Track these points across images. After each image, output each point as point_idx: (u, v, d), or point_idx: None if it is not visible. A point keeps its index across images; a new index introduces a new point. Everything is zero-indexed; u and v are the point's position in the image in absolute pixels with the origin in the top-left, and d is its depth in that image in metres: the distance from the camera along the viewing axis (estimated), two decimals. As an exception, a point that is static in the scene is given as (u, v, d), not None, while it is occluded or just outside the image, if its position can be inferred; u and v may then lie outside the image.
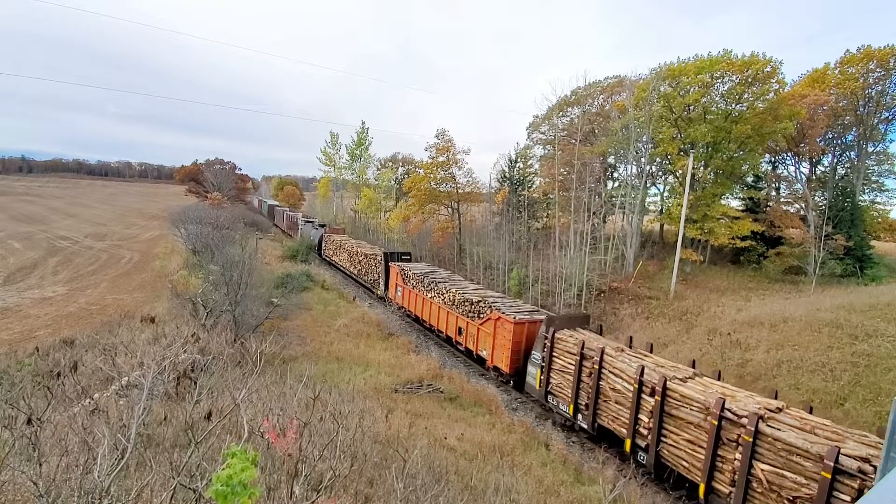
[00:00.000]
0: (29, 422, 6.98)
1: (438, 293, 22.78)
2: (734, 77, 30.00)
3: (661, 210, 38.28)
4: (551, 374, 15.40)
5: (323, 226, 50.71)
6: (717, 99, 31.64)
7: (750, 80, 29.38)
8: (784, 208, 34.51)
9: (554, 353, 15.27)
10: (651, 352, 14.49)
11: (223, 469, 2.86)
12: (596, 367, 13.42)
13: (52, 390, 10.22)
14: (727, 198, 34.65)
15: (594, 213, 33.43)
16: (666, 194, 38.40)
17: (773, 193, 37.47)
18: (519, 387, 17.52)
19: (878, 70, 31.49)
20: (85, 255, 39.42)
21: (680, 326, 24.31)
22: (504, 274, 34.25)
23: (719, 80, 30.87)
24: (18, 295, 26.29)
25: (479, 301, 19.48)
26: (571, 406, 14.40)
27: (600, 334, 16.18)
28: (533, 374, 16.22)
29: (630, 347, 14.76)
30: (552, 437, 14.37)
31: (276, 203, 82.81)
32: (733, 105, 30.90)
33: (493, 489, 8.77)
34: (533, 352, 16.22)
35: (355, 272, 36.20)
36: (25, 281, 29.87)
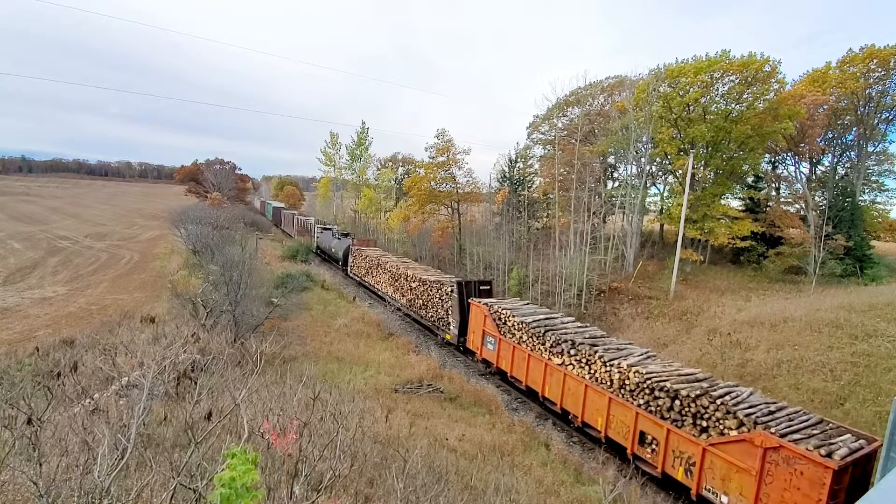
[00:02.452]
0: (29, 422, 6.98)
1: (582, 361, 14.08)
2: (734, 77, 30.01)
3: (661, 210, 38.29)
4: None
5: (347, 234, 41.02)
6: (716, 99, 31.65)
7: (749, 79, 29.38)
8: (784, 208, 34.51)
9: None
10: None
11: (224, 470, 2.86)
12: None
13: (52, 390, 10.20)
14: (727, 198, 34.68)
15: (594, 213, 33.43)
16: (666, 194, 38.45)
17: (773, 193, 37.48)
18: None
19: (878, 70, 31.51)
20: (85, 255, 39.42)
21: (680, 326, 24.32)
22: (504, 274, 34.28)
23: (719, 81, 30.88)
24: (18, 295, 26.29)
25: (700, 396, 10.75)
26: None
27: None
28: None
29: None
30: (552, 437, 14.36)
31: (283, 205, 76.32)
32: (733, 105, 30.91)
33: (493, 489, 8.79)
34: None
35: (405, 302, 26.18)
36: (25, 281, 29.88)
